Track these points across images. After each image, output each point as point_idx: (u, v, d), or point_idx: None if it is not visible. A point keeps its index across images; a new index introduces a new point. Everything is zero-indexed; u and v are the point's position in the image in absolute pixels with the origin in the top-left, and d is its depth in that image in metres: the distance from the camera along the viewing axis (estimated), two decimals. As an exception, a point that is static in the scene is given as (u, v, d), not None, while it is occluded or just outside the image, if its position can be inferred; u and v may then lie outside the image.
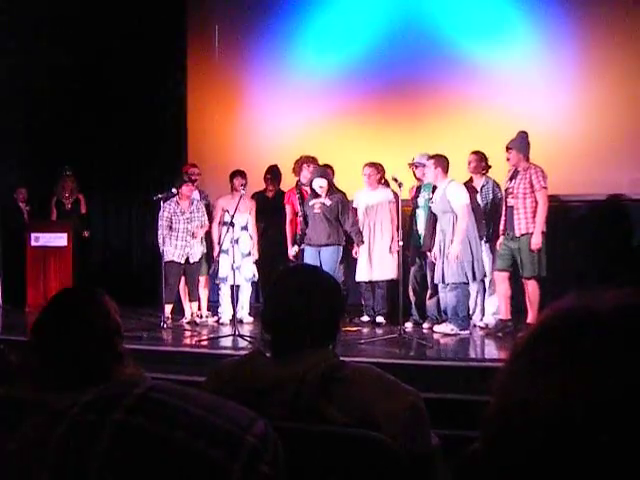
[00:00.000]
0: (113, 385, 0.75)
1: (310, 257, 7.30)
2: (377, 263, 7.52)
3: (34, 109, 9.98)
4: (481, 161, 7.30)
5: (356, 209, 7.70)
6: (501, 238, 6.88)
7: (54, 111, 9.99)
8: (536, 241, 6.51)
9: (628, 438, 0.52)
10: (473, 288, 7.27)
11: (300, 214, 7.55)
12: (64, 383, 1.86)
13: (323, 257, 7.26)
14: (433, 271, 7.02)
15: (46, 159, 9.95)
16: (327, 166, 7.85)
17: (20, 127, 9.94)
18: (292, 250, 7.69)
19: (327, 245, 7.31)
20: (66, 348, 1.97)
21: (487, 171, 7.38)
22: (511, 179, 6.77)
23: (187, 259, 7.73)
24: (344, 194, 7.53)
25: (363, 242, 7.50)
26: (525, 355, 0.60)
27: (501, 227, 6.88)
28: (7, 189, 9.68)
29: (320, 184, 7.32)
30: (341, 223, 7.37)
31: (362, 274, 7.61)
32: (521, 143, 6.71)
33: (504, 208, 6.85)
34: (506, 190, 6.83)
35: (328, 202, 7.31)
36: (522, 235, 6.59)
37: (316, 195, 7.36)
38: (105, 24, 9.75)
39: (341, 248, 7.44)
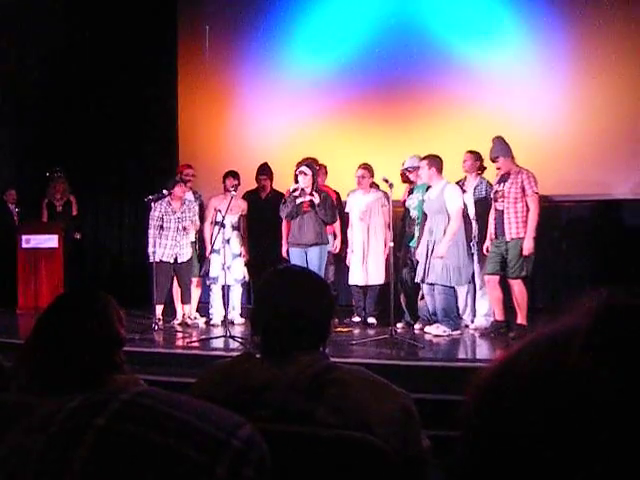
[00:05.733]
0: (100, 391, 0.75)
1: (297, 258, 7.19)
2: (372, 267, 7.50)
3: (24, 111, 9.95)
4: (476, 160, 7.30)
5: (347, 213, 7.69)
6: (488, 242, 6.90)
7: (44, 112, 9.96)
8: (528, 246, 6.52)
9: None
10: (462, 289, 7.29)
11: (284, 213, 7.36)
12: (57, 389, 1.85)
13: (310, 257, 7.17)
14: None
15: (37, 161, 9.91)
16: (319, 165, 7.85)
17: (10, 128, 9.91)
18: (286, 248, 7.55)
19: (314, 245, 7.21)
20: (62, 354, 1.96)
21: (482, 172, 7.40)
22: (500, 182, 6.78)
23: (175, 259, 7.72)
24: (327, 193, 7.45)
25: (335, 220, 7.43)
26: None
27: (491, 231, 6.89)
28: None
29: (304, 171, 7.15)
30: (324, 221, 7.28)
31: (356, 278, 7.59)
32: (502, 148, 6.71)
33: (493, 212, 6.86)
34: (495, 193, 6.82)
35: (317, 200, 7.19)
36: (512, 239, 6.60)
37: (302, 192, 7.20)
38: (95, 24, 9.74)
39: (327, 248, 7.41)
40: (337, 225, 7.69)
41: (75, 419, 0.71)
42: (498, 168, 6.78)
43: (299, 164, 7.41)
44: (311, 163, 7.39)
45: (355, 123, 9.17)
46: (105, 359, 2.02)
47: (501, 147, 6.71)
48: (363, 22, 9.30)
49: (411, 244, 7.33)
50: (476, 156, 7.30)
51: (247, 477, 0.72)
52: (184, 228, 7.70)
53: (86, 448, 0.68)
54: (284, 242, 7.65)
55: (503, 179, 6.73)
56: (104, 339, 2.03)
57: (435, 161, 6.96)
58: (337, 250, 7.79)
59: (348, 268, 7.71)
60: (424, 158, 7.04)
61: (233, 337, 6.64)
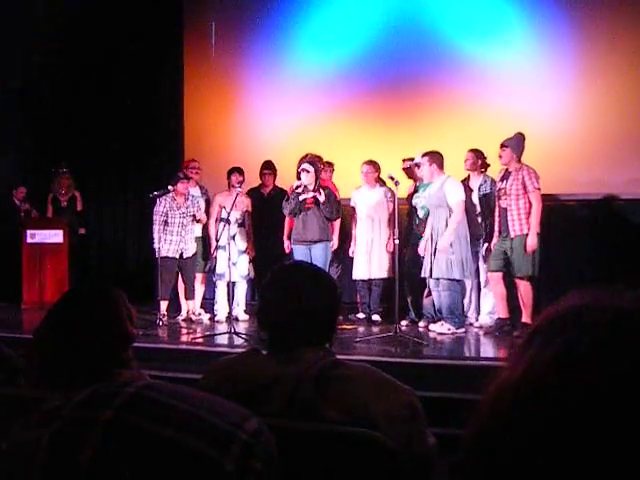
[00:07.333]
0: (106, 385, 0.75)
1: (301, 255, 7.16)
2: (376, 261, 7.50)
3: (31, 107, 9.96)
4: (478, 159, 7.31)
5: (353, 207, 7.70)
6: (495, 239, 6.89)
7: (51, 108, 9.97)
8: (531, 242, 6.50)
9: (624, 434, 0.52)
10: (468, 285, 7.27)
11: (287, 209, 7.35)
12: (65, 383, 1.85)
13: (314, 254, 7.14)
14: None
15: (42, 156, 9.93)
16: (327, 163, 7.86)
17: (17, 125, 9.92)
18: (287, 244, 7.64)
19: (319, 241, 7.19)
20: (71, 348, 1.95)
21: (485, 169, 7.38)
22: (502, 180, 6.77)
23: (181, 254, 7.71)
24: (330, 189, 7.42)
25: (339, 216, 7.41)
26: (529, 345, 0.60)
27: (496, 228, 6.89)
28: (3, 186, 9.66)
29: (306, 168, 7.10)
30: (328, 217, 7.26)
31: (360, 272, 7.59)
32: (517, 143, 6.70)
33: (497, 209, 6.85)
34: (498, 191, 6.82)
35: (322, 198, 7.14)
36: (516, 236, 6.59)
37: (305, 189, 7.17)
38: (101, 22, 9.74)
39: (330, 244, 7.40)
40: (336, 222, 7.62)
41: (82, 412, 0.71)
42: (500, 156, 6.75)
43: (302, 160, 7.38)
44: (314, 160, 7.35)
45: (360, 121, 9.15)
46: (114, 355, 2.01)
47: (517, 142, 6.69)
48: (368, 20, 9.28)
49: (419, 242, 7.28)
50: (477, 154, 7.30)
51: (254, 469, 0.72)
52: (197, 220, 7.70)
53: (95, 442, 0.67)
54: (285, 238, 7.69)
55: (505, 176, 6.73)
56: (114, 335, 2.03)
57: (435, 157, 6.95)
58: (334, 247, 7.73)
59: (352, 264, 7.70)
60: (424, 155, 7.03)
61: (237, 333, 6.64)
